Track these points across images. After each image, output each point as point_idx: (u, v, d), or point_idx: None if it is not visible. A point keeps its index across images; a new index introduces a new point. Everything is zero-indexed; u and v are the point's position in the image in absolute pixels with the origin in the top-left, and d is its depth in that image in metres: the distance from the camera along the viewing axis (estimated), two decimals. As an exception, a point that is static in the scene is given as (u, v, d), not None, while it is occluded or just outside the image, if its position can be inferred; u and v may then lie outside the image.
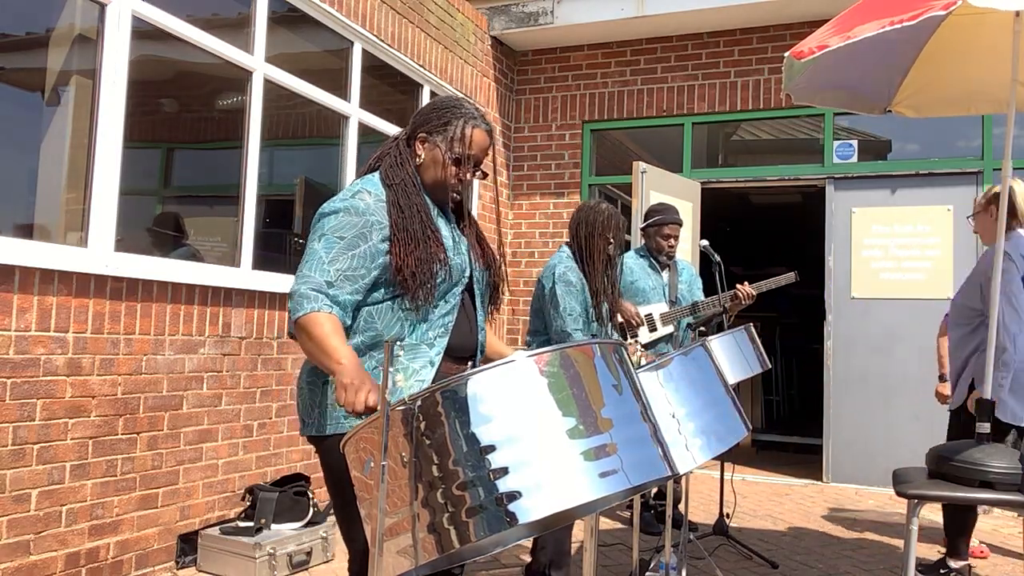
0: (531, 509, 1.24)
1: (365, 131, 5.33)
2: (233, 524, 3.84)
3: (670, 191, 6.17)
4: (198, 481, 3.89)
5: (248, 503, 3.93)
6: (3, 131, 3.24)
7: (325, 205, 1.94)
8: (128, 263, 3.54)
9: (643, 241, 4.42)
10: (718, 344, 3.29)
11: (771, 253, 11.48)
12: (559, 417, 1.31)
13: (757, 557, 4.09)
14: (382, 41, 5.42)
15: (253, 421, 4.22)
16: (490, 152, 2.08)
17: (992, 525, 5.11)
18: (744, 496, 5.73)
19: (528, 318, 3.49)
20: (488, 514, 1.26)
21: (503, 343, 2.28)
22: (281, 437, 4.41)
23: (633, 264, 4.34)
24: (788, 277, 4.26)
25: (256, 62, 4.36)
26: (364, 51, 5.34)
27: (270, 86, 4.49)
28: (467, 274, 2.04)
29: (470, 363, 2.07)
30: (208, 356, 3.93)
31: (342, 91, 5.16)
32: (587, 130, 7.26)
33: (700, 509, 5.24)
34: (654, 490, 4.66)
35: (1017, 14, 3.08)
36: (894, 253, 6.20)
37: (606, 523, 4.82)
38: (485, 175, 2.09)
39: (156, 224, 3.93)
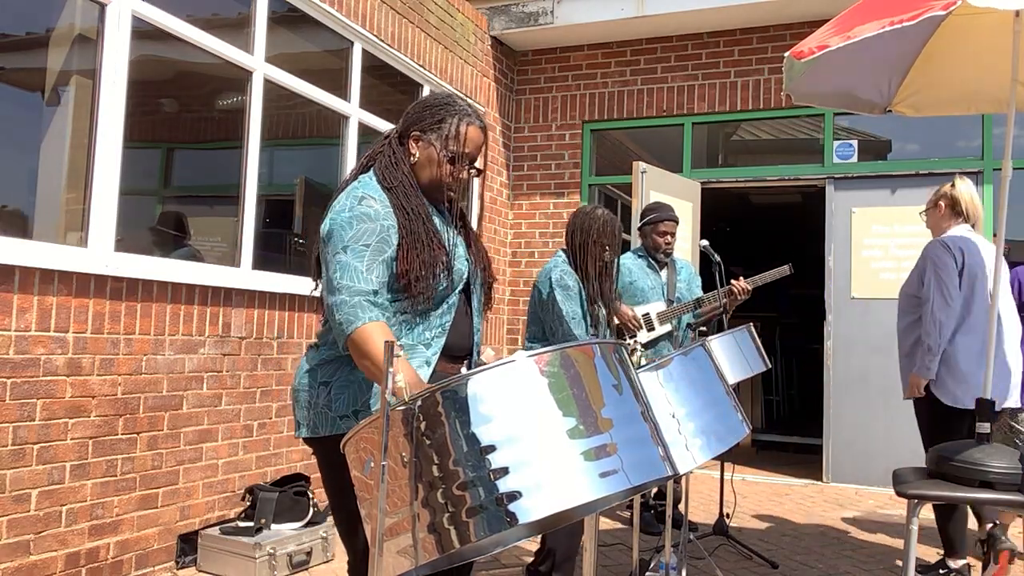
0: (531, 509, 1.24)
1: (365, 131, 5.33)
2: (233, 524, 3.84)
3: (670, 191, 6.17)
4: (198, 481, 3.89)
5: (248, 503, 3.93)
6: (3, 131, 3.24)
7: (333, 215, 1.88)
8: (128, 263, 3.54)
9: (640, 241, 4.43)
10: (718, 344, 3.29)
11: (771, 253, 11.47)
12: (559, 417, 1.31)
13: (757, 557, 4.09)
14: (382, 41, 5.42)
15: (253, 421, 4.22)
16: (483, 148, 2.06)
17: (992, 525, 5.11)
18: (744, 496, 5.73)
19: (526, 324, 3.47)
20: (488, 514, 1.26)
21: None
22: (281, 437, 4.41)
23: (631, 264, 4.34)
24: (782, 270, 4.26)
25: (256, 62, 4.36)
26: (364, 51, 5.34)
27: (270, 86, 4.49)
28: (465, 276, 2.03)
29: (465, 362, 2.07)
30: (208, 356, 3.93)
31: (342, 91, 5.16)
32: (587, 130, 7.26)
33: (700, 509, 5.24)
34: (654, 490, 4.66)
35: (1017, 14, 3.09)
36: (894, 253, 6.20)
37: (606, 523, 4.82)
38: (480, 172, 2.06)
39: (159, 223, 3.93)
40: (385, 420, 1.33)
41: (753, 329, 3.55)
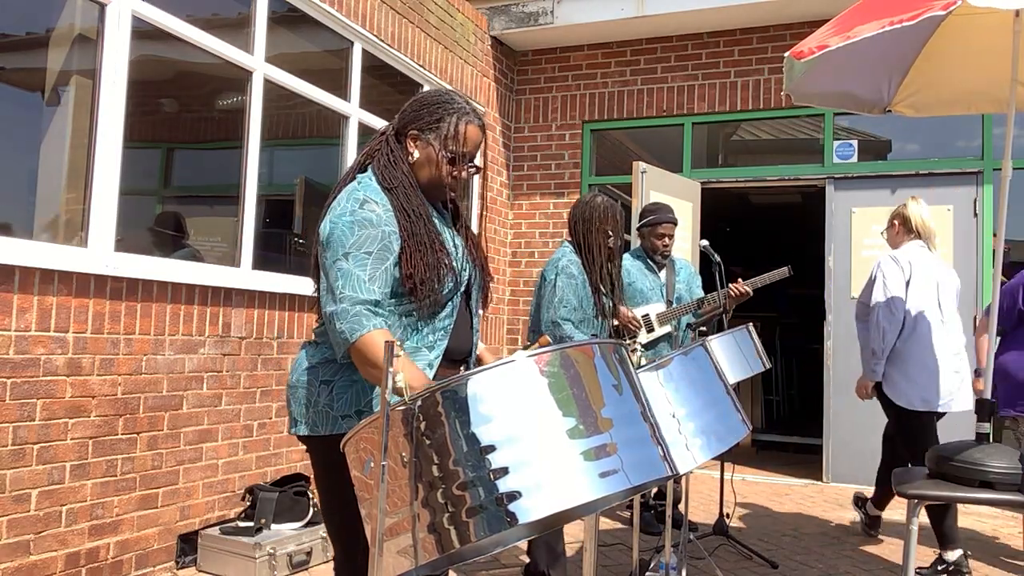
0: (531, 509, 1.24)
1: (365, 131, 5.33)
2: (233, 524, 3.84)
3: (670, 191, 6.17)
4: (198, 481, 3.89)
5: (248, 503, 3.93)
6: (3, 131, 3.24)
7: (333, 218, 1.84)
8: (128, 263, 3.54)
9: (639, 242, 4.43)
10: (718, 344, 3.29)
11: (771, 253, 11.48)
12: (559, 417, 1.31)
13: (757, 557, 4.09)
14: (382, 41, 5.42)
15: (253, 421, 4.22)
16: (482, 145, 2.04)
17: (992, 525, 5.11)
18: (744, 496, 5.73)
19: (528, 318, 3.48)
20: (488, 514, 1.26)
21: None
22: (281, 437, 4.41)
23: (630, 265, 4.34)
24: (781, 272, 4.27)
25: (256, 62, 4.36)
26: (364, 51, 5.34)
27: (270, 86, 4.49)
28: (467, 278, 2.02)
29: (463, 366, 2.06)
30: (208, 356, 3.93)
31: (342, 91, 5.16)
32: (587, 130, 7.26)
33: (700, 509, 5.24)
34: (654, 490, 4.66)
35: (1017, 14, 3.08)
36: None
37: (606, 523, 4.82)
38: (479, 170, 2.04)
39: (157, 224, 3.93)
40: (385, 420, 1.33)
41: (753, 329, 3.56)
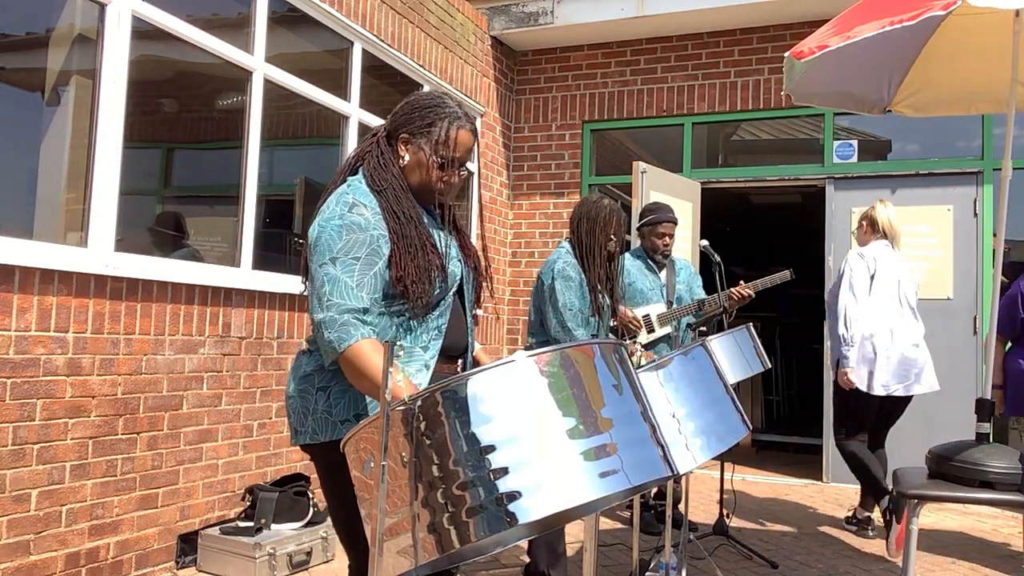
0: (531, 509, 1.24)
1: (365, 131, 5.33)
2: (233, 524, 3.84)
3: (670, 191, 6.17)
4: (198, 481, 3.89)
5: (248, 503, 3.93)
6: (3, 131, 3.24)
7: (321, 222, 1.84)
8: (128, 263, 3.54)
9: (639, 242, 4.42)
10: (718, 344, 3.29)
11: (771, 253, 11.48)
12: (559, 417, 1.31)
13: (757, 557, 4.09)
14: (382, 41, 5.42)
15: (253, 421, 4.22)
16: (474, 150, 2.03)
17: (992, 525, 5.11)
18: (744, 496, 5.73)
19: (527, 318, 3.49)
20: (488, 514, 1.26)
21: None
22: (281, 437, 4.41)
23: (630, 266, 4.34)
24: (783, 275, 4.29)
25: (256, 62, 4.36)
26: (364, 51, 5.34)
27: (270, 86, 4.49)
28: (459, 278, 2.02)
29: (461, 361, 2.06)
30: (208, 356, 3.93)
31: (342, 91, 5.16)
32: (587, 130, 7.26)
33: (700, 509, 5.24)
34: (654, 490, 4.66)
35: (1017, 14, 3.09)
36: (894, 253, 6.19)
37: (606, 523, 4.82)
38: (470, 173, 2.04)
39: (157, 224, 3.93)
40: (385, 420, 1.33)
41: (753, 329, 3.56)
